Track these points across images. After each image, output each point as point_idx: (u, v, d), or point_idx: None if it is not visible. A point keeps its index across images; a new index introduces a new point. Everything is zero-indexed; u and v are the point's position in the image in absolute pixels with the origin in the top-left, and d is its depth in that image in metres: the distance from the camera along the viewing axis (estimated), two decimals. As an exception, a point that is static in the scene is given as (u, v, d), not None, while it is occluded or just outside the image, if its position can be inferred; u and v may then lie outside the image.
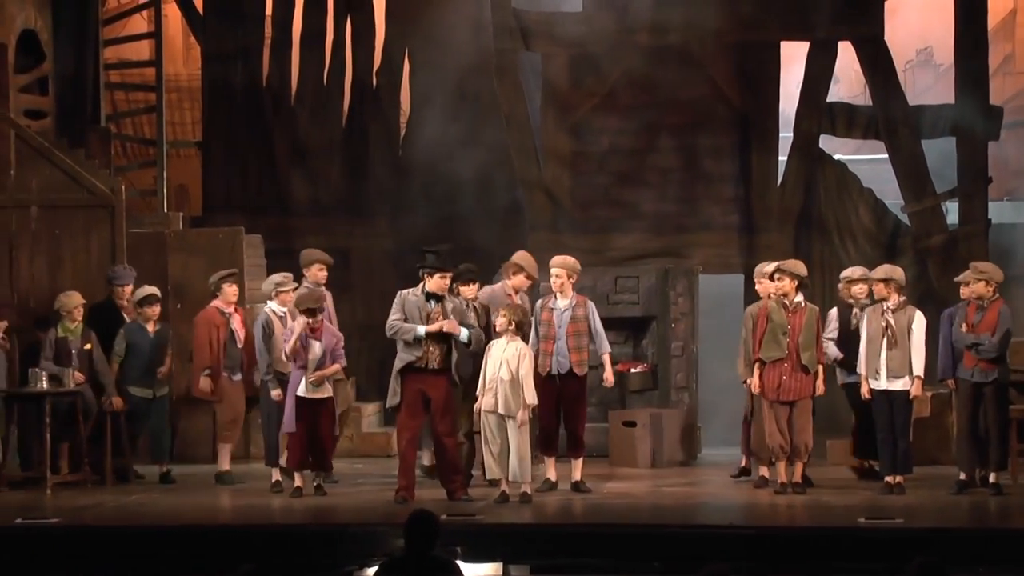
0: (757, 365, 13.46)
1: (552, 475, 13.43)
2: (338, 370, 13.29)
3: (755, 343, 13.51)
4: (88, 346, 14.06)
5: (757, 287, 14.13)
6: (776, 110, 16.78)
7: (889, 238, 16.57)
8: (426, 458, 13.80)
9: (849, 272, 14.06)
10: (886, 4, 16.52)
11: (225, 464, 14.27)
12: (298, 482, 13.32)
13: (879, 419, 13.25)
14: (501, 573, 11.19)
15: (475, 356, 13.05)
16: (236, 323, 14.26)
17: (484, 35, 17.13)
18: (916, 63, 19.04)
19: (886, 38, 16.51)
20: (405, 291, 12.93)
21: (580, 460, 13.52)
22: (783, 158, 16.84)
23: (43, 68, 17.42)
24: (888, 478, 13.21)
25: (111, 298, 14.67)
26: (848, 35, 16.57)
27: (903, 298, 13.26)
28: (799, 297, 13.41)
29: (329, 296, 14.11)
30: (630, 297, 15.57)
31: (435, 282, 12.84)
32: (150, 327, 14.29)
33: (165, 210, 17.89)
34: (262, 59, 18.08)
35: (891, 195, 16.77)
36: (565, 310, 13.38)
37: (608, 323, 14.47)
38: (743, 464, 14.21)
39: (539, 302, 13.55)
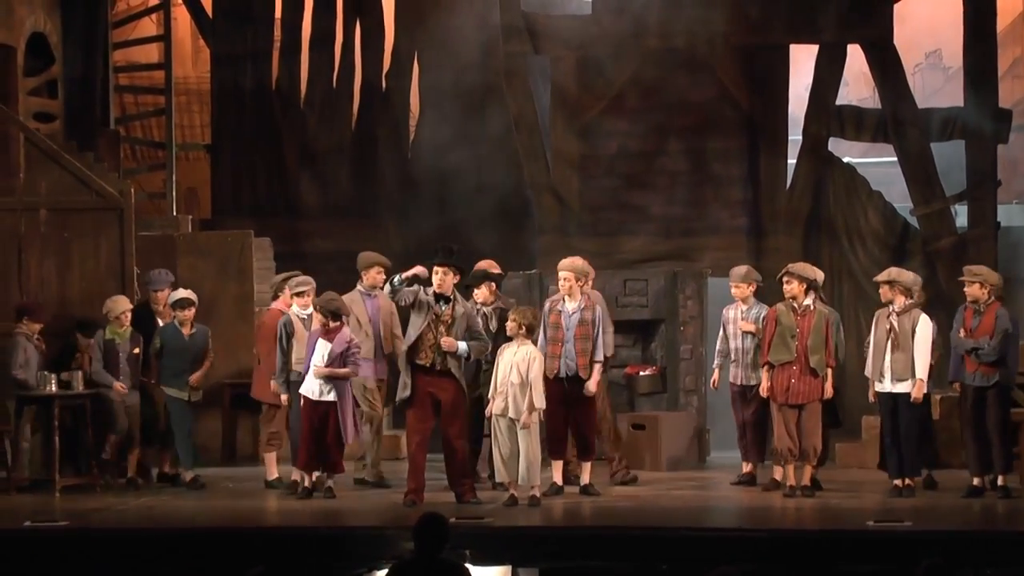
0: (766, 368, 13.48)
1: (559, 479, 13.41)
2: (348, 374, 13.25)
3: (763, 346, 13.53)
4: (136, 350, 14.11)
5: (733, 291, 14.20)
6: (785, 113, 16.79)
7: (898, 241, 16.56)
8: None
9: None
10: (895, 7, 16.53)
11: (273, 471, 14.24)
12: (307, 483, 13.35)
13: (885, 422, 13.29)
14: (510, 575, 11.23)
15: (477, 362, 13.15)
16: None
17: (493, 38, 17.17)
18: (925, 66, 18.96)
19: (895, 41, 16.51)
20: (417, 286, 12.82)
21: (589, 463, 13.53)
22: (792, 161, 16.86)
23: (52, 71, 17.48)
24: (897, 481, 13.22)
25: (147, 303, 14.66)
26: (857, 38, 16.57)
27: (910, 301, 13.27)
28: (808, 300, 13.41)
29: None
30: (639, 300, 15.60)
31: (444, 281, 12.73)
32: (185, 330, 14.26)
33: (174, 213, 17.97)
34: (271, 62, 18.13)
35: (900, 198, 16.76)
36: (573, 313, 13.37)
37: (617, 326, 14.57)
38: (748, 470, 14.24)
39: (547, 304, 13.57)
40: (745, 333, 14.03)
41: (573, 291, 13.40)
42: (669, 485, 14.18)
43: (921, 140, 16.53)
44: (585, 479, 13.47)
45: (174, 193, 18.40)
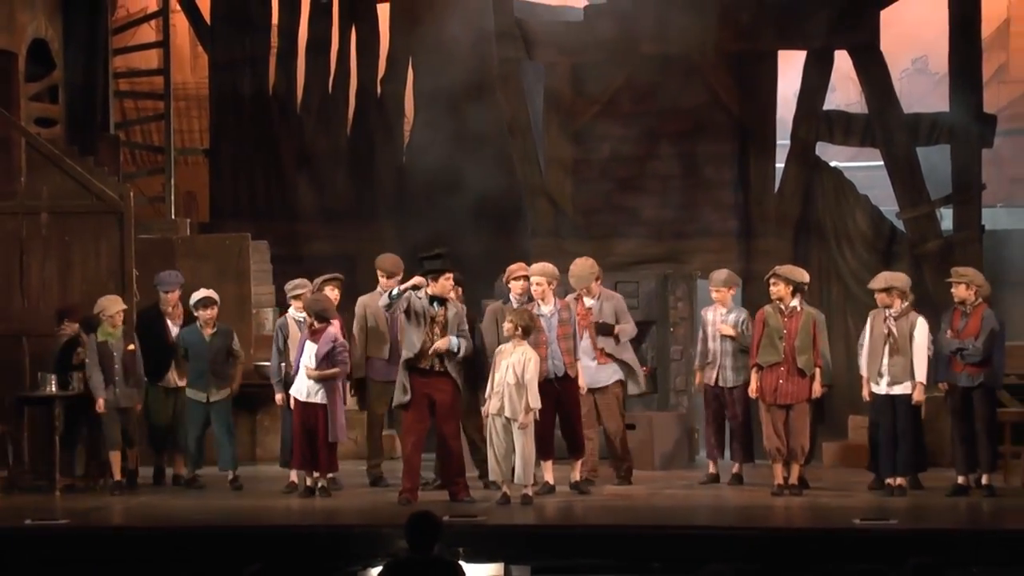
0: (755, 369, 13.58)
1: (550, 478, 13.46)
2: (336, 373, 13.34)
3: (752, 348, 13.63)
4: (132, 347, 14.02)
5: (713, 295, 14.28)
6: (774, 118, 16.78)
7: (885, 243, 16.54)
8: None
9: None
10: (882, 14, 16.51)
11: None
12: (308, 482, 13.45)
13: (882, 422, 13.37)
14: (503, 573, 11.24)
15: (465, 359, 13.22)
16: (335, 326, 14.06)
17: (487, 44, 17.19)
18: (911, 72, 18.89)
19: (882, 47, 16.50)
20: (408, 292, 12.94)
21: (579, 461, 13.58)
22: (781, 165, 16.84)
23: (53, 77, 17.50)
24: (888, 480, 13.33)
25: (156, 304, 14.61)
26: (844, 45, 16.55)
27: (906, 304, 13.34)
28: (795, 302, 13.51)
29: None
30: (630, 301, 15.31)
31: (440, 284, 12.90)
32: (207, 330, 14.24)
33: (173, 216, 18.00)
34: (268, 68, 18.16)
35: (887, 201, 16.73)
36: (551, 315, 13.44)
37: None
38: (712, 471, 14.33)
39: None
40: (724, 336, 14.13)
41: (546, 295, 13.45)
42: (661, 484, 14.21)
43: (907, 144, 16.50)
44: (575, 476, 13.53)
45: (173, 197, 18.39)
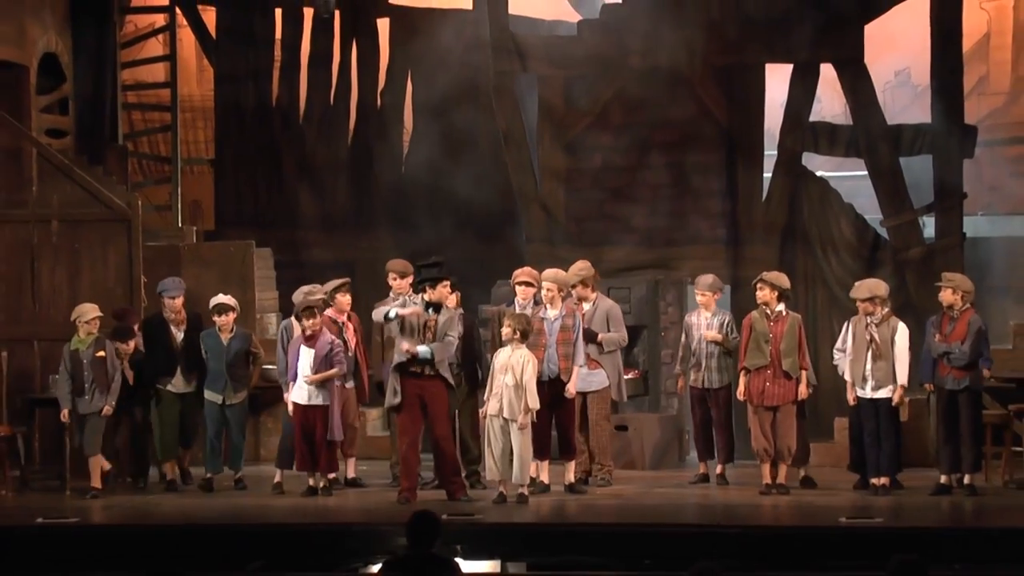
0: (743, 373, 13.78)
1: (545, 478, 13.62)
2: (336, 374, 13.53)
3: (740, 352, 13.81)
4: (100, 353, 13.86)
5: (699, 299, 14.43)
6: (761, 129, 16.76)
7: (869, 251, 16.54)
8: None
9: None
10: (866, 28, 16.52)
11: (351, 471, 14.37)
12: (311, 482, 13.63)
13: (866, 424, 13.53)
14: (499, 571, 11.41)
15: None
16: (348, 332, 14.16)
17: (483, 57, 17.22)
18: (894, 84, 18.70)
19: (866, 61, 16.50)
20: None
21: (573, 462, 13.74)
22: (768, 175, 16.83)
23: (64, 89, 17.60)
24: (873, 480, 13.51)
25: (159, 312, 14.55)
26: (829, 58, 16.53)
27: (886, 310, 13.52)
28: (780, 306, 13.74)
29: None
30: (622, 307, 15.20)
31: (438, 291, 13.11)
32: (224, 335, 14.22)
33: (179, 224, 18.08)
34: (272, 81, 18.22)
35: (871, 210, 16.73)
36: (555, 320, 13.59)
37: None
38: (702, 471, 14.49)
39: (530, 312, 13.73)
40: (709, 341, 14.29)
41: (555, 301, 13.62)
42: (652, 483, 14.31)
43: (891, 155, 16.49)
44: (569, 478, 13.66)
45: (179, 205, 18.50)
